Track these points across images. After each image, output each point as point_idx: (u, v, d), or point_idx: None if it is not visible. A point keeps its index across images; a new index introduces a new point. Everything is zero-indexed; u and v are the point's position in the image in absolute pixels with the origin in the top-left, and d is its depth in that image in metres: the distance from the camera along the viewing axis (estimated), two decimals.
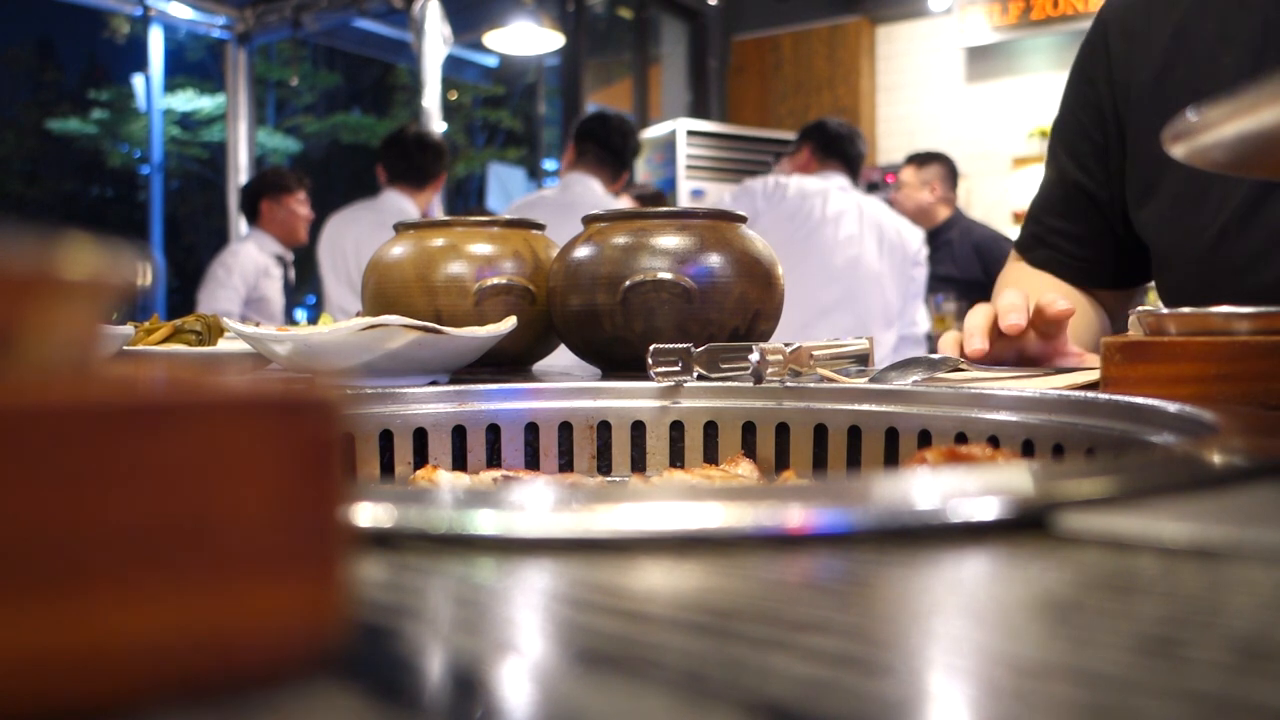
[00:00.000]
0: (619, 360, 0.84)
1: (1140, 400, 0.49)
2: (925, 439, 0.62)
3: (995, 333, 0.81)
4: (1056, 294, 0.98)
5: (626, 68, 5.95)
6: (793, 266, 2.42)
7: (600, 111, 2.93)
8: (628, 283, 0.81)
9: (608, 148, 2.61)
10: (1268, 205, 0.84)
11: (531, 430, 0.69)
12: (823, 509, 0.23)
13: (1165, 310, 0.55)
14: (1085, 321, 1.02)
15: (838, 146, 2.62)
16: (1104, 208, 1.02)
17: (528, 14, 4.50)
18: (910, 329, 2.62)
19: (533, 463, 0.69)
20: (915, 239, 2.63)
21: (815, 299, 2.46)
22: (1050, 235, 1.06)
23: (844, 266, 2.47)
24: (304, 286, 5.35)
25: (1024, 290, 0.82)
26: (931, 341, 2.91)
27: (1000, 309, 0.79)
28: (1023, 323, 0.77)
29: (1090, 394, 0.54)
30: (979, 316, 0.80)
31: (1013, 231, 4.25)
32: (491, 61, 7.74)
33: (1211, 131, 0.40)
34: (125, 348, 0.92)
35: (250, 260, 3.25)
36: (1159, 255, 0.97)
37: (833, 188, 2.54)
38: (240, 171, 5.12)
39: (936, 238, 3.50)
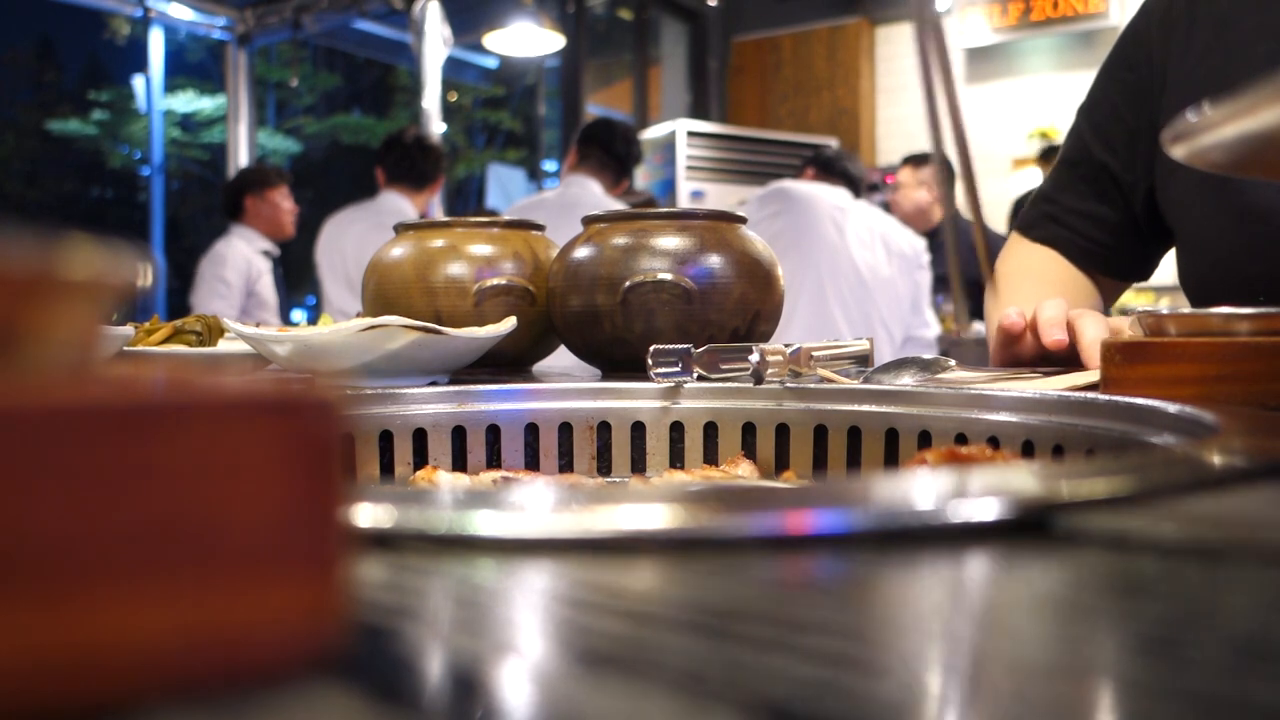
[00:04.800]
0: (619, 361, 0.84)
1: (1140, 401, 0.49)
2: (925, 440, 0.62)
3: (1014, 337, 0.82)
4: (1061, 283, 0.98)
5: (626, 69, 5.95)
6: (805, 271, 2.46)
7: (605, 117, 2.95)
8: (628, 283, 0.81)
9: (610, 153, 2.64)
10: None
11: (531, 431, 0.69)
12: (822, 510, 0.23)
13: (1165, 311, 0.55)
14: (1090, 304, 1.01)
15: (838, 166, 2.69)
16: (1127, 192, 1.01)
17: (528, 15, 4.50)
18: (921, 331, 2.67)
19: (533, 464, 0.69)
20: (918, 242, 2.70)
21: (826, 304, 2.50)
22: (1066, 215, 1.05)
23: (854, 271, 2.51)
24: (303, 287, 5.35)
25: (1046, 288, 0.84)
26: (941, 344, 2.96)
27: (1043, 323, 0.80)
28: (1065, 339, 0.79)
29: (1090, 395, 0.54)
30: (1057, 310, 0.81)
31: None
32: (491, 63, 7.74)
33: (1212, 132, 0.40)
34: (125, 348, 0.92)
35: (243, 259, 3.25)
36: (1185, 235, 0.96)
37: (841, 198, 2.60)
38: None
39: (935, 238, 3.50)
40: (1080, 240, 1.04)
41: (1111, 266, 1.04)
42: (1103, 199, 1.03)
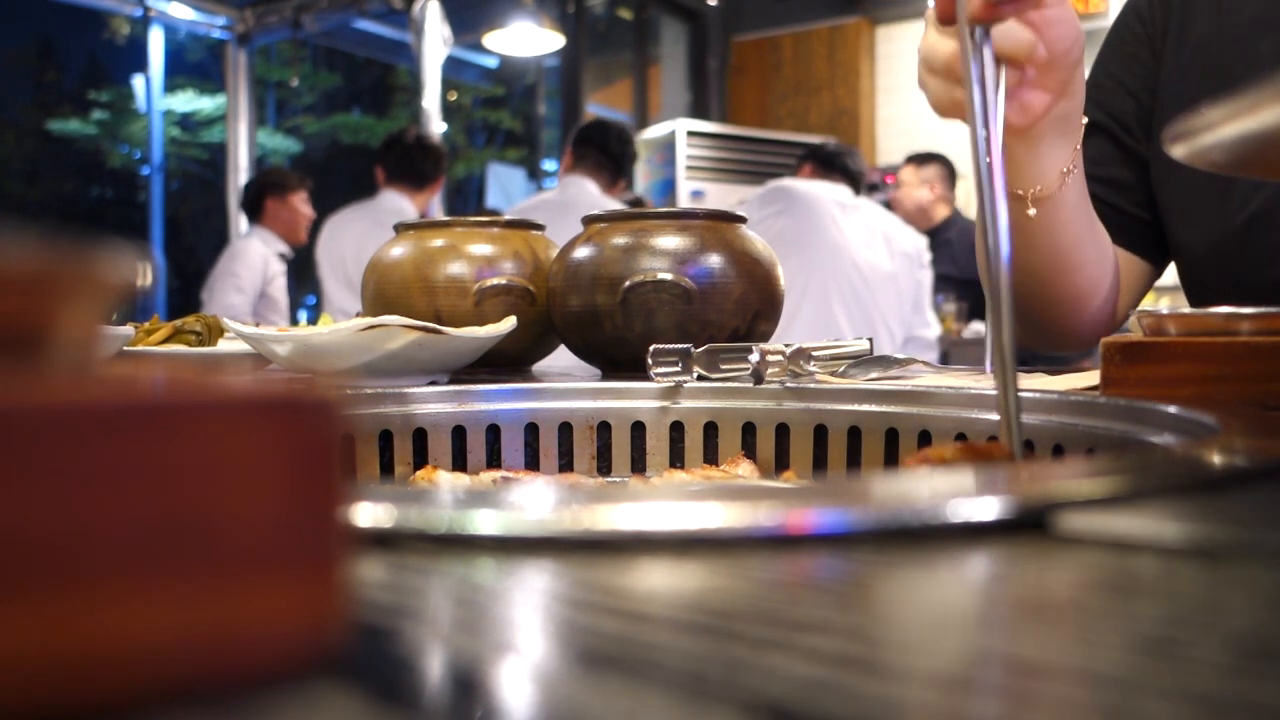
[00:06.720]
0: (619, 360, 0.84)
1: (1140, 401, 0.49)
2: (925, 439, 0.62)
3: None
4: None
5: (626, 68, 5.95)
6: (808, 270, 2.47)
7: (600, 118, 2.96)
8: (628, 283, 0.81)
9: (606, 153, 2.65)
10: None
11: (531, 431, 0.69)
12: (823, 509, 0.23)
13: (1165, 311, 0.55)
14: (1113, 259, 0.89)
15: (838, 163, 2.69)
16: (1140, 163, 0.93)
17: (528, 14, 4.49)
18: (922, 330, 2.67)
19: (533, 463, 0.69)
20: (920, 240, 2.71)
21: (828, 302, 2.50)
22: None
23: (856, 270, 2.52)
24: (303, 287, 5.35)
25: None
26: (941, 344, 2.97)
27: None
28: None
29: (1090, 395, 0.54)
30: None
31: None
32: (491, 62, 7.74)
33: (1212, 132, 0.40)
34: (125, 348, 0.92)
35: (259, 258, 3.26)
36: (1182, 241, 0.91)
37: (842, 195, 2.60)
38: (240, 172, 5.13)
39: (935, 237, 3.50)
40: (1102, 208, 0.89)
41: (1142, 241, 0.94)
42: (1116, 163, 0.93)
